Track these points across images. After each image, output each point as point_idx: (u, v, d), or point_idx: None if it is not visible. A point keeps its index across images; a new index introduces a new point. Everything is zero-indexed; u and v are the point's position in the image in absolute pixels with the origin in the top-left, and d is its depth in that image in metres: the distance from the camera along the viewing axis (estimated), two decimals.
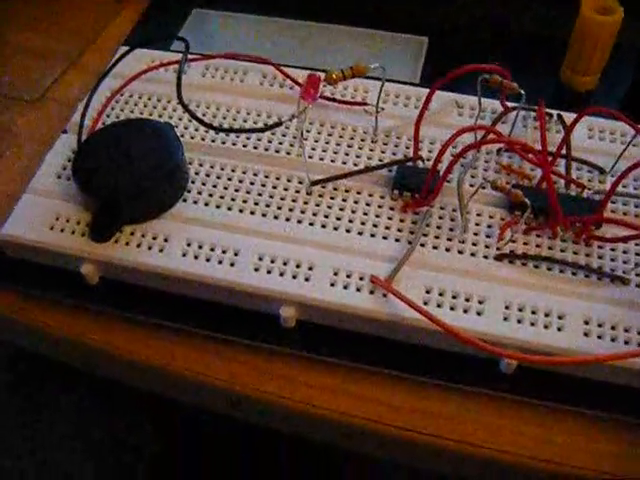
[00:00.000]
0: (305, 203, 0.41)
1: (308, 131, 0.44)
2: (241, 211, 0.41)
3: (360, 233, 0.40)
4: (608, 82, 0.49)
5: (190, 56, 0.47)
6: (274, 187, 0.42)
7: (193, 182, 0.42)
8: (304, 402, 0.38)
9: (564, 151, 0.42)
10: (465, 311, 0.37)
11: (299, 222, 0.40)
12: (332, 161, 0.43)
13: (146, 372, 0.41)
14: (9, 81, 0.53)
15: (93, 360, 0.42)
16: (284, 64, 0.48)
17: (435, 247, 0.39)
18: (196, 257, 0.39)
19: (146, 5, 0.57)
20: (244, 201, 0.41)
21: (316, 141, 0.44)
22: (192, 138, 0.44)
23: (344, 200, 0.41)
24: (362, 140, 0.44)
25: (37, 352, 0.45)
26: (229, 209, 0.41)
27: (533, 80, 0.47)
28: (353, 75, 0.41)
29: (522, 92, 0.40)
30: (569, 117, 0.43)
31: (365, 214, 0.40)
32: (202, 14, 0.56)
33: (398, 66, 0.50)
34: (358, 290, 0.37)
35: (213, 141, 0.44)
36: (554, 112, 0.44)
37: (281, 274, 0.38)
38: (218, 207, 0.41)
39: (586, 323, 0.36)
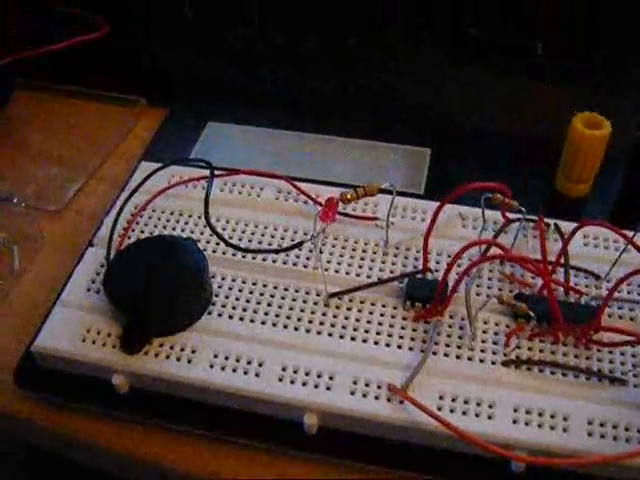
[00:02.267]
0: (323, 315, 0.45)
1: (324, 244, 0.48)
2: (263, 323, 0.45)
3: (376, 343, 0.43)
4: (600, 188, 0.54)
5: (207, 172, 0.52)
6: (294, 299, 0.46)
7: (217, 295, 0.46)
8: None
9: (564, 259, 0.46)
10: (477, 415, 0.40)
11: (318, 333, 0.44)
12: (347, 273, 0.47)
13: (173, 477, 0.44)
14: (34, 191, 0.58)
15: (123, 465, 0.45)
16: (295, 176, 0.52)
17: (446, 355, 0.43)
18: (222, 368, 0.42)
19: (164, 115, 0.62)
20: (266, 313, 0.45)
21: (331, 254, 0.48)
22: (214, 252, 0.48)
23: (360, 311, 0.45)
24: (374, 252, 0.48)
25: (68, 458, 0.48)
26: (252, 321, 0.45)
27: (530, 185, 0.52)
28: (365, 194, 0.45)
29: (522, 209, 0.45)
30: (565, 226, 0.48)
31: (380, 324, 0.44)
32: (216, 127, 0.60)
33: (402, 177, 0.55)
34: (376, 398, 0.41)
35: (234, 255, 0.48)
36: (551, 222, 0.49)
37: (304, 384, 0.42)
38: (241, 319, 0.45)
39: (589, 423, 0.40)
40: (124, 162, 0.58)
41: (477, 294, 0.45)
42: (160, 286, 0.44)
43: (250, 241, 0.49)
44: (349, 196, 0.45)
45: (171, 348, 0.44)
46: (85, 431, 0.44)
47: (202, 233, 0.50)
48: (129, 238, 0.49)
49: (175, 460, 0.43)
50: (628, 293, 0.46)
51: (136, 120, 0.63)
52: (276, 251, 0.47)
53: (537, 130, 0.56)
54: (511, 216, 0.48)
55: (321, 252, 0.47)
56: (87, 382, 0.44)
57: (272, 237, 0.49)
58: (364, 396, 0.41)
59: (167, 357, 0.43)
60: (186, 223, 0.50)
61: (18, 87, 0.65)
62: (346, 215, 0.50)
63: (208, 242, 0.49)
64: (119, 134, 0.62)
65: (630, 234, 0.45)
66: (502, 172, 0.50)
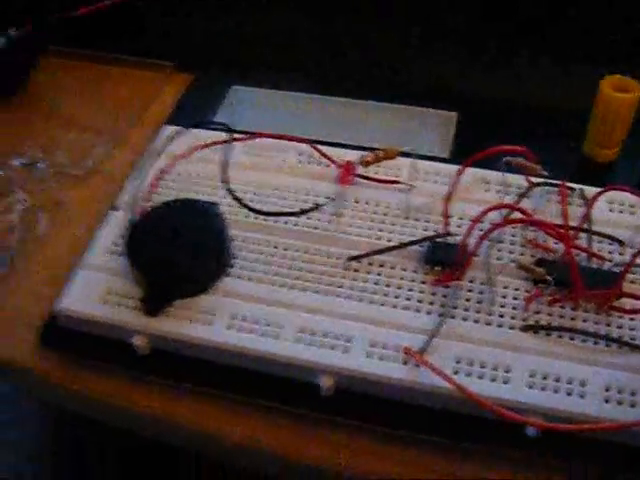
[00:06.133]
0: (343, 278, 0.46)
1: (345, 208, 0.49)
2: (282, 286, 0.46)
3: (394, 306, 0.45)
4: (629, 153, 0.54)
5: (233, 135, 0.53)
6: (313, 263, 0.47)
7: (237, 258, 0.47)
8: (350, 466, 0.42)
9: (587, 224, 0.47)
10: (493, 379, 0.41)
11: (337, 296, 0.45)
12: (367, 237, 0.48)
13: (194, 437, 0.46)
14: (60, 156, 0.59)
15: (141, 424, 0.47)
16: (319, 140, 0.53)
17: (465, 319, 0.44)
18: (241, 330, 0.44)
19: (188, 81, 0.63)
20: (285, 276, 0.46)
21: (352, 217, 0.49)
22: (236, 215, 0.49)
23: (379, 275, 0.46)
24: (395, 216, 0.49)
25: (90, 417, 0.50)
26: (271, 284, 0.46)
27: (558, 152, 0.53)
28: (385, 157, 0.46)
29: (544, 173, 0.45)
30: (590, 191, 0.48)
31: (399, 288, 0.45)
32: (240, 90, 0.62)
33: (428, 141, 0.56)
34: (393, 361, 0.42)
35: (255, 218, 0.49)
36: (576, 187, 0.49)
37: (321, 346, 0.43)
38: (260, 282, 0.46)
39: (607, 390, 0.41)
40: (151, 127, 0.59)
41: (498, 259, 0.46)
42: (181, 250, 0.45)
43: (271, 204, 0.50)
44: (369, 159, 0.45)
45: (191, 310, 0.45)
46: (106, 391, 0.46)
47: (225, 197, 0.51)
48: (151, 202, 0.51)
49: (195, 420, 0.45)
50: None
51: (164, 85, 0.64)
52: (292, 214, 0.48)
53: (568, 94, 0.56)
54: (536, 180, 0.49)
55: (340, 215, 0.47)
56: (109, 343, 0.46)
57: (295, 201, 0.50)
58: (380, 359, 0.42)
59: (187, 319, 0.45)
60: (208, 187, 0.52)
61: (47, 53, 0.66)
62: (367, 178, 0.50)
63: (230, 206, 0.50)
64: (147, 99, 0.63)
65: None
66: (531, 137, 0.51)
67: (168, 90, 0.63)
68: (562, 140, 0.55)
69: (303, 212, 0.48)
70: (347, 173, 0.43)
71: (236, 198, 0.48)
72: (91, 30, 0.65)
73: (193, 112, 0.58)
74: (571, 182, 0.50)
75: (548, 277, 0.42)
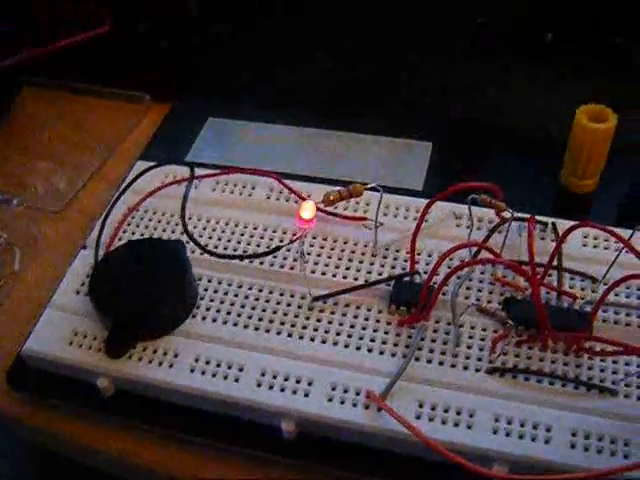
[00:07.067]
0: (307, 319, 0.45)
1: (311, 245, 0.49)
2: (246, 327, 0.45)
3: (358, 348, 0.44)
4: (609, 183, 0.53)
5: (202, 171, 0.53)
6: (278, 303, 0.46)
7: (202, 298, 0.47)
8: None
9: (557, 261, 0.46)
10: (456, 424, 0.40)
11: (301, 338, 0.45)
12: (334, 275, 0.47)
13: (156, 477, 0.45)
14: (35, 191, 0.59)
15: (106, 464, 0.47)
16: (294, 173, 0.53)
17: (429, 361, 0.43)
18: (203, 373, 0.43)
19: (166, 113, 0.63)
20: (249, 317, 0.46)
21: (318, 255, 0.48)
22: (201, 254, 0.49)
23: (344, 315, 0.45)
24: (363, 254, 0.48)
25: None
26: (235, 325, 0.45)
27: (534, 183, 0.52)
28: (350, 196, 0.45)
29: (509, 211, 0.44)
30: (564, 225, 0.47)
31: (364, 329, 0.45)
32: (217, 123, 0.61)
33: (403, 172, 0.55)
34: (354, 405, 0.41)
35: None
36: (549, 220, 0.48)
37: (282, 389, 0.42)
38: (225, 323, 0.46)
39: (573, 435, 0.40)
40: (127, 161, 0.59)
41: (466, 297, 0.45)
42: (144, 291, 0.45)
43: (239, 242, 0.50)
44: (332, 197, 0.45)
45: (154, 352, 0.45)
46: (72, 430, 0.46)
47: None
48: (120, 240, 0.51)
49: (157, 461, 0.44)
50: (627, 297, 0.45)
51: (142, 117, 0.64)
52: (249, 256, 0.48)
53: (545, 125, 0.55)
54: (507, 215, 0.48)
55: (303, 255, 0.47)
56: (74, 384, 0.46)
57: (261, 238, 0.50)
58: (342, 403, 0.42)
59: (150, 361, 0.44)
60: (176, 224, 0.51)
61: (23, 84, 0.66)
62: (334, 215, 0.50)
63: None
64: (123, 132, 0.63)
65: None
66: (508, 169, 0.50)
67: (145, 122, 0.63)
68: (540, 170, 0.55)
69: (259, 255, 0.48)
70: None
71: (192, 239, 0.48)
72: (70, 61, 0.65)
73: (168, 146, 0.58)
74: (551, 215, 0.49)
75: (509, 321, 0.41)
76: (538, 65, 0.57)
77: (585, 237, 0.48)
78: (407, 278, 0.46)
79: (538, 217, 0.47)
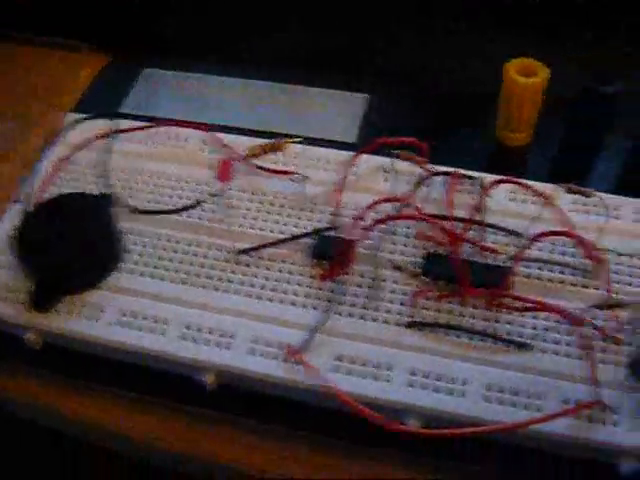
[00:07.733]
0: (232, 272, 0.46)
1: (239, 199, 0.49)
2: (172, 281, 0.46)
3: (282, 302, 0.44)
4: (543, 137, 0.53)
5: (134, 123, 0.53)
6: (204, 257, 0.46)
7: (129, 252, 0.47)
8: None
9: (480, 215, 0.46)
10: (374, 378, 0.41)
11: (225, 291, 0.45)
12: (261, 229, 0.47)
13: (82, 425, 0.46)
14: None
15: (37, 415, 0.47)
16: (226, 125, 0.53)
17: (350, 315, 0.43)
18: (129, 326, 0.44)
19: (105, 63, 0.63)
20: (175, 271, 0.46)
21: (248, 209, 0.48)
22: (127, 209, 0.49)
23: (268, 269, 0.46)
24: (290, 208, 0.48)
25: None
26: (161, 279, 0.46)
27: (471, 139, 0.52)
28: (273, 149, 0.45)
29: (429, 167, 0.44)
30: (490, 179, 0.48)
31: (288, 283, 0.45)
32: (152, 73, 0.61)
33: (337, 124, 0.55)
34: (274, 358, 0.42)
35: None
36: (476, 174, 0.48)
37: (205, 343, 0.43)
38: (151, 277, 0.46)
39: (488, 389, 0.40)
40: (64, 112, 0.59)
41: (391, 252, 0.46)
42: (69, 245, 0.45)
43: (170, 197, 0.50)
44: (256, 151, 0.45)
45: (81, 306, 0.45)
46: (2, 384, 0.46)
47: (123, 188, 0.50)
48: (48, 194, 0.50)
49: (84, 413, 0.45)
50: (550, 252, 0.45)
51: (80, 67, 0.63)
52: (168, 212, 0.48)
53: (480, 79, 0.55)
54: (434, 170, 0.48)
55: (232, 207, 0.46)
56: (2, 338, 0.46)
57: (192, 192, 0.50)
58: (262, 356, 0.42)
59: (76, 315, 0.45)
60: (105, 178, 0.51)
61: None
62: (263, 169, 0.50)
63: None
64: (62, 82, 0.62)
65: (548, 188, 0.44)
66: (445, 124, 0.50)
67: (83, 73, 0.62)
68: (477, 123, 0.55)
69: (179, 210, 0.48)
70: (226, 169, 0.42)
71: (112, 193, 0.48)
72: (8, 11, 0.64)
73: (103, 97, 0.57)
74: (486, 171, 0.49)
75: (423, 277, 0.41)
76: (488, 22, 0.57)
77: (512, 192, 0.48)
78: (330, 232, 0.46)
79: (470, 172, 0.47)
